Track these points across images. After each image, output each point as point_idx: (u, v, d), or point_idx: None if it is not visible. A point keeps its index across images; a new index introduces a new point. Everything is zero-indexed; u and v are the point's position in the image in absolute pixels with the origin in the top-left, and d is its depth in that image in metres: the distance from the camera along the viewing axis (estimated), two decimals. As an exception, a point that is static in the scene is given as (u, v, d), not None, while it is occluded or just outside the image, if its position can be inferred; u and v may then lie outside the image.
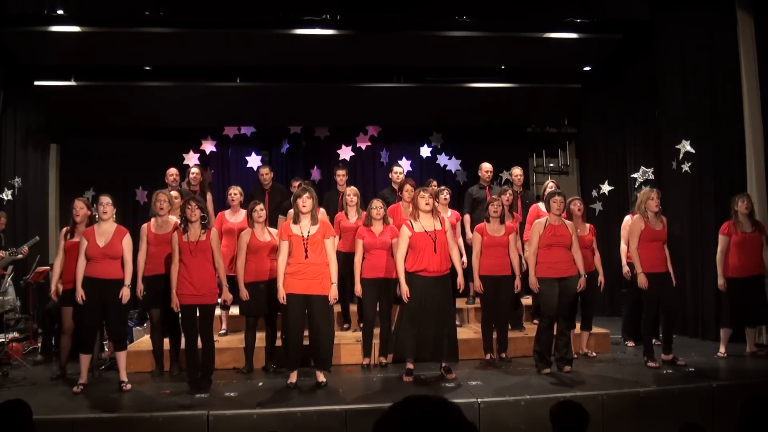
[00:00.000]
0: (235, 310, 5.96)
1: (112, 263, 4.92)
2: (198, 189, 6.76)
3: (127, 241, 5.01)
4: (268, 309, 5.40)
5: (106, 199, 5.04)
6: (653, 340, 5.60)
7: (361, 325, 5.74)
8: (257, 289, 5.37)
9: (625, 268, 6.20)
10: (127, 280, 4.96)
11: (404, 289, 4.99)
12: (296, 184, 6.48)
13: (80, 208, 5.25)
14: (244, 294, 5.35)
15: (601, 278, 5.84)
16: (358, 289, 5.50)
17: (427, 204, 5.06)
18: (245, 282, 5.37)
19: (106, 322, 5.22)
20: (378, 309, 5.55)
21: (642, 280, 5.39)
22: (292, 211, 5.19)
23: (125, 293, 4.93)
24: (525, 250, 5.93)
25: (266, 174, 7.04)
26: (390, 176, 7.12)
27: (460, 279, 5.16)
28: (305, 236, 4.85)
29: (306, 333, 4.99)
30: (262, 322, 5.54)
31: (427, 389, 4.81)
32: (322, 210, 6.24)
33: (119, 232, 5.00)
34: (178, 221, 5.15)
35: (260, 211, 5.46)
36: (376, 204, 5.54)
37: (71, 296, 5.10)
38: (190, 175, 6.89)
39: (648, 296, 5.43)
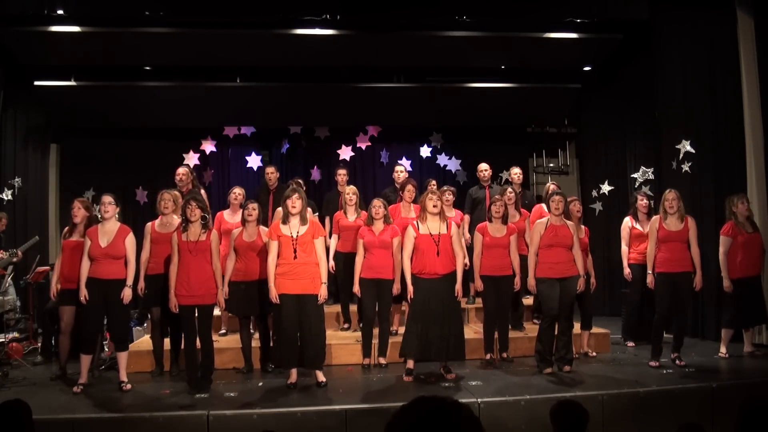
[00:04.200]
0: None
1: (114, 263, 4.92)
2: (189, 188, 6.68)
3: (130, 241, 5.00)
4: (257, 309, 5.37)
5: (107, 199, 5.04)
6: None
7: (361, 325, 5.74)
8: (239, 288, 5.33)
9: (626, 270, 6.22)
10: (129, 280, 4.97)
11: (410, 290, 5.03)
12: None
13: (78, 209, 5.21)
14: (225, 292, 5.22)
15: (593, 280, 5.85)
16: (356, 288, 5.50)
17: (434, 206, 5.07)
18: (231, 281, 5.33)
19: (108, 323, 5.23)
20: (377, 309, 5.56)
21: (649, 280, 5.47)
22: (279, 210, 5.20)
23: (126, 293, 4.93)
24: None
25: (272, 173, 6.98)
26: (393, 176, 7.12)
27: (458, 287, 5.12)
28: (294, 236, 4.85)
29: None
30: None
31: (427, 389, 4.81)
32: (309, 210, 6.26)
33: (122, 231, 5.00)
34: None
35: (251, 210, 5.40)
36: (377, 203, 5.55)
37: (69, 295, 5.11)
38: (176, 176, 6.70)
39: (659, 296, 5.44)
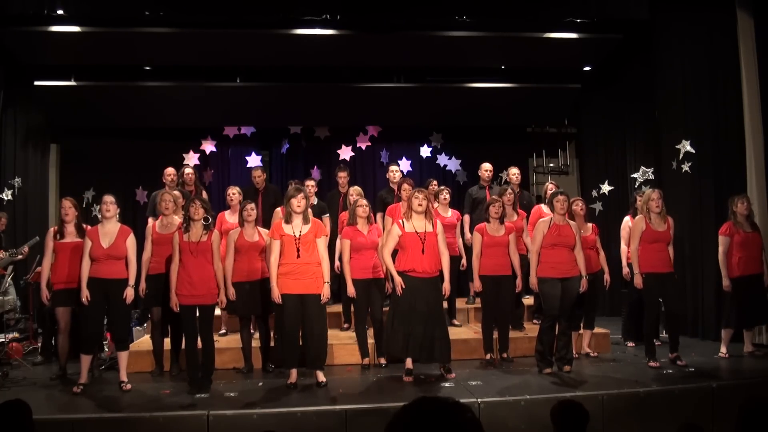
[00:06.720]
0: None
1: (115, 263, 4.92)
2: (193, 189, 6.74)
3: (131, 241, 5.00)
4: (259, 309, 5.37)
5: (109, 198, 5.04)
6: (654, 341, 5.61)
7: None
8: (242, 288, 5.34)
9: (625, 269, 6.21)
10: (131, 280, 4.97)
11: (397, 281, 4.95)
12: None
13: (68, 207, 5.19)
14: (231, 293, 5.28)
15: (606, 277, 5.86)
16: (351, 290, 5.47)
17: (420, 205, 5.05)
18: (233, 281, 5.33)
19: (109, 323, 5.23)
20: (369, 310, 5.55)
21: (637, 281, 5.44)
22: (278, 210, 5.18)
23: (129, 293, 4.93)
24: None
25: (258, 176, 6.99)
26: (387, 176, 7.12)
27: (446, 285, 5.10)
28: (297, 236, 4.85)
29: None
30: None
31: (427, 389, 4.81)
32: (326, 217, 6.26)
33: (123, 232, 5.00)
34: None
35: (251, 210, 5.43)
36: (363, 203, 5.53)
37: (65, 296, 5.11)
38: (185, 176, 6.84)
39: (649, 297, 5.44)
